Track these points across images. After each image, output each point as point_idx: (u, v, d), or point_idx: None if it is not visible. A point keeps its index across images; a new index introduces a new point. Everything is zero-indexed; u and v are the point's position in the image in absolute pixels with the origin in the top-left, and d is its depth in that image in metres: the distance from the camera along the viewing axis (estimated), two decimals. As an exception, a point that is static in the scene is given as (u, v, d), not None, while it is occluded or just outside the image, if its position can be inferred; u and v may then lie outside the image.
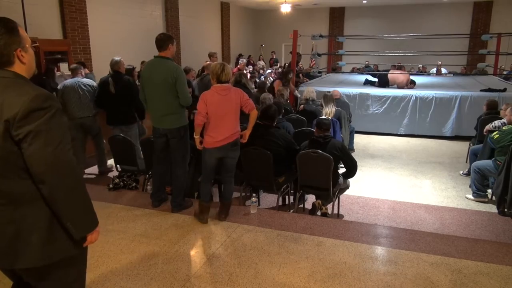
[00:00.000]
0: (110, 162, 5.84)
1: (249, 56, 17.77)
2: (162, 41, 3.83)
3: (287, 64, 8.62)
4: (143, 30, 11.10)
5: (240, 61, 11.10)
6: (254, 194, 4.15)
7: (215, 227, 3.72)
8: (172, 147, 3.97)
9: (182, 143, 3.96)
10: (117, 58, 5.49)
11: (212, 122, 3.66)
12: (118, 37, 10.37)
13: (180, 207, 4.08)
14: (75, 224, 1.63)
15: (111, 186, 4.76)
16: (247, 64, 16.10)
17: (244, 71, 11.52)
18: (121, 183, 4.80)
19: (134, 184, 4.85)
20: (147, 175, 4.82)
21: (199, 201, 3.86)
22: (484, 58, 14.70)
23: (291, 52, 11.05)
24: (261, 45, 19.44)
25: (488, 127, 5.45)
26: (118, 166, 5.10)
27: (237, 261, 3.13)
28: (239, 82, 5.94)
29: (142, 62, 9.33)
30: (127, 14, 10.77)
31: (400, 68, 13.98)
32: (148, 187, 4.75)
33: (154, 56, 3.90)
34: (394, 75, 9.36)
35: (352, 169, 4.27)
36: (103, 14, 9.79)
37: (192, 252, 3.29)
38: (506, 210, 4.48)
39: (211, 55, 8.23)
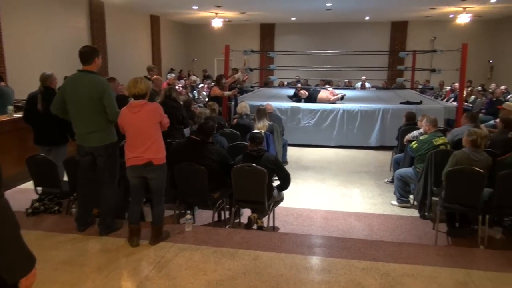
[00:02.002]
0: (27, 185, 5.39)
1: (181, 70, 17.62)
2: (87, 54, 3.67)
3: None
4: (67, 43, 10.52)
5: (168, 76, 10.94)
6: (188, 211, 4.06)
7: (147, 249, 3.57)
8: (99, 166, 3.77)
9: (110, 161, 3.78)
10: (48, 73, 5.09)
11: (127, 139, 3.55)
12: (39, 49, 9.73)
13: (108, 230, 3.87)
14: (7, 269, 1.46)
15: (29, 211, 4.38)
16: (179, 78, 15.95)
17: (176, 86, 11.39)
18: (42, 207, 4.44)
19: (56, 208, 4.51)
20: (72, 197, 4.52)
21: (128, 224, 3.70)
22: (402, 73, 15.98)
23: (235, 69, 11.16)
24: (193, 60, 19.38)
25: (407, 137, 5.89)
26: (38, 188, 4.72)
27: (172, 282, 3.03)
28: (169, 97, 5.83)
29: (65, 77, 8.81)
30: (49, 26, 10.16)
31: (328, 83, 14.71)
32: (73, 210, 4.45)
33: (78, 70, 3.71)
34: (322, 97, 9.76)
35: (285, 181, 4.36)
36: (21, 25, 9.14)
37: (123, 278, 3.12)
38: (426, 214, 4.85)
39: (150, 69, 7.97)
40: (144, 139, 3.50)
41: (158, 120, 3.56)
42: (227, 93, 8.71)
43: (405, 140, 5.96)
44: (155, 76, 7.76)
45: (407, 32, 17.56)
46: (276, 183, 4.57)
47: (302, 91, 10.08)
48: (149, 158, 3.50)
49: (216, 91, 8.40)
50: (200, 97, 12.64)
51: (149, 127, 3.52)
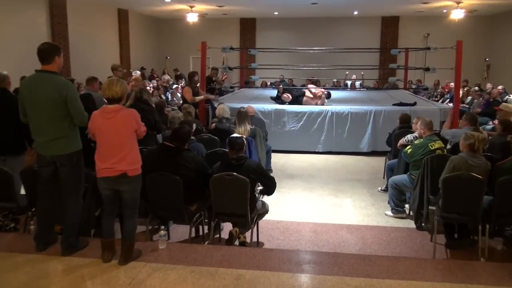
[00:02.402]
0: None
1: (152, 69, 17.52)
2: (47, 53, 3.60)
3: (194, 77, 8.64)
4: (23, 40, 10.33)
5: (134, 74, 10.68)
6: (162, 227, 4.01)
7: (117, 270, 3.51)
8: (62, 177, 3.70)
9: (74, 171, 3.71)
10: (4, 73, 4.97)
11: (98, 147, 3.50)
12: (-9, 47, 9.53)
13: (72, 249, 3.79)
14: None
15: (-19, 229, 4.26)
16: (150, 78, 15.85)
17: (148, 87, 11.30)
18: (-5, 225, 4.32)
19: (12, 225, 4.40)
20: (30, 213, 4.41)
21: (100, 238, 3.66)
22: (394, 72, 16.28)
23: (214, 68, 11.11)
24: (166, 58, 19.29)
25: (402, 141, 5.98)
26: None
27: (145, 306, 2.98)
28: (140, 99, 5.77)
29: (22, 78, 8.63)
30: (4, 21, 9.96)
31: (315, 83, 14.86)
32: (32, 227, 4.34)
33: (36, 70, 3.64)
34: (308, 102, 9.77)
35: (271, 188, 4.35)
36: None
37: (89, 302, 3.06)
38: (423, 224, 4.93)
39: (115, 68, 7.83)
40: (118, 149, 3.46)
41: (134, 128, 3.52)
42: (198, 98, 8.38)
43: (398, 144, 6.05)
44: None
45: (398, 28, 17.94)
46: (261, 195, 4.57)
47: (285, 95, 9.92)
48: (123, 169, 3.46)
49: (187, 94, 8.18)
50: (175, 99, 12.58)
51: (124, 136, 3.48)
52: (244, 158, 4.26)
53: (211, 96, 8.74)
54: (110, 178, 3.48)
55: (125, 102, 3.60)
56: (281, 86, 10.64)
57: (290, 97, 9.80)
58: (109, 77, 7.14)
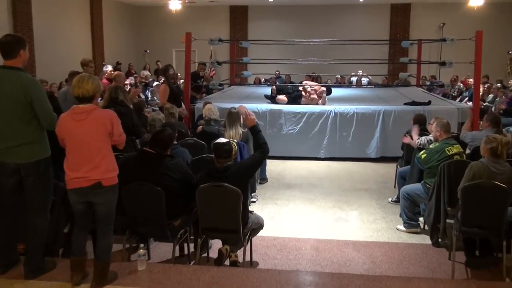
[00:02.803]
0: None
1: (129, 64, 17.52)
2: (9, 46, 3.60)
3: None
4: (-20, 30, 10.30)
5: (104, 69, 10.54)
6: (142, 245, 4.00)
7: (89, 294, 3.49)
8: (27, 189, 3.68)
9: (41, 182, 3.70)
10: None
11: (68, 154, 3.49)
12: None
13: (37, 271, 3.76)
14: None
15: None
16: (127, 74, 15.81)
17: (124, 84, 11.26)
18: None
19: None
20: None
21: (70, 257, 3.65)
22: (406, 67, 16.39)
23: (202, 63, 11.09)
24: (145, 51, 19.29)
25: (411, 142, 5.97)
26: None
27: (122, 337, 2.96)
28: (115, 99, 5.74)
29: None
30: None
31: (315, 79, 14.92)
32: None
33: (-2, 65, 3.63)
34: (306, 101, 9.77)
35: (264, 150, 4.36)
36: None
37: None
38: (439, 240, 4.94)
39: (85, 64, 7.81)
40: (91, 155, 3.45)
41: (108, 130, 3.51)
42: (183, 112, 8.06)
43: (405, 140, 6.06)
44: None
45: (410, 17, 18.07)
46: (252, 206, 4.56)
47: (280, 97, 9.78)
48: (97, 178, 3.45)
49: (162, 94, 7.91)
50: (155, 98, 12.58)
51: (98, 140, 3.47)
52: (232, 166, 4.22)
53: (184, 113, 8.36)
54: (82, 189, 3.47)
55: (97, 101, 3.58)
56: (274, 86, 10.54)
57: (286, 99, 9.71)
58: (69, 73, 7.10)
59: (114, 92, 5.80)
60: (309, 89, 9.93)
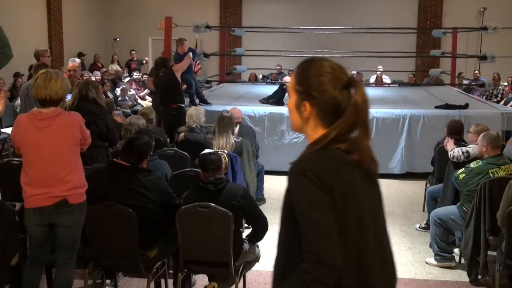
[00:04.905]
0: None
1: (95, 56, 17.52)
2: None
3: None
4: None
5: (70, 62, 10.63)
6: (108, 281, 4.01)
7: None
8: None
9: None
10: None
11: (27, 166, 3.50)
12: None
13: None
14: None
15: None
16: (92, 68, 15.82)
17: (93, 78, 11.27)
18: None
19: None
20: None
21: None
22: (438, 61, 16.43)
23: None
24: (115, 40, 19.30)
25: (450, 151, 5.91)
26: None
27: None
28: (85, 97, 5.75)
29: None
30: None
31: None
32: None
33: None
34: None
35: (260, 229, 4.36)
36: None
37: None
38: (479, 277, 4.94)
39: (41, 54, 7.83)
40: (56, 170, 3.47)
41: (78, 138, 3.53)
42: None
43: (449, 145, 6.00)
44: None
45: (443, 1, 18.12)
46: (246, 232, 4.57)
47: (287, 78, 9.93)
48: (63, 195, 3.46)
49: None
50: (126, 97, 12.58)
51: (65, 151, 3.50)
52: (224, 181, 4.26)
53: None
54: (43, 209, 3.48)
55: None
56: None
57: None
58: (35, 65, 7.13)
59: (84, 88, 5.81)
60: None
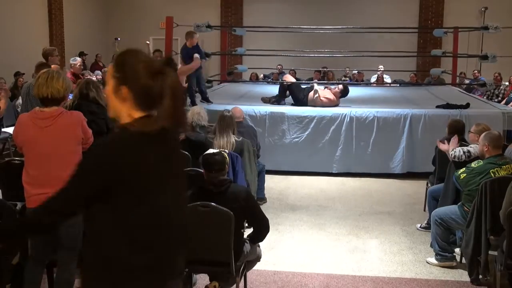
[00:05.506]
0: None
1: (97, 55, 17.53)
2: None
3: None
4: None
5: (72, 62, 10.69)
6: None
7: None
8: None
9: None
10: None
11: (28, 166, 3.50)
12: None
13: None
14: None
15: None
16: (93, 68, 15.81)
17: (94, 78, 11.26)
18: None
19: None
20: None
21: None
22: (439, 61, 16.42)
23: (158, 50, 11.13)
24: (116, 39, 19.29)
25: (451, 150, 5.91)
26: None
27: None
28: (86, 97, 5.75)
29: None
30: None
31: (326, 75, 14.98)
32: None
33: None
34: (312, 99, 9.76)
35: (261, 231, 4.36)
36: None
37: None
38: (480, 276, 4.94)
39: (49, 53, 7.80)
40: (58, 168, 3.46)
41: (80, 138, 3.53)
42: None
43: (442, 146, 6.00)
44: (53, 66, 7.63)
45: (444, 0, 18.10)
46: (248, 231, 4.56)
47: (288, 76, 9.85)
48: None
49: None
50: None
51: (68, 151, 3.49)
52: (228, 182, 4.26)
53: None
54: None
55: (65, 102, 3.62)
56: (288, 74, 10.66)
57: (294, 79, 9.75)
58: (36, 65, 7.14)
59: (85, 87, 5.81)
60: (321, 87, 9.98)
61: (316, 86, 9.91)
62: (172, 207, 2.18)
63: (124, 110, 2.13)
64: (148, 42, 10.79)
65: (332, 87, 10.27)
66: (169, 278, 2.21)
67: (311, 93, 9.69)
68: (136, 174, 2.04)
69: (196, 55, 8.99)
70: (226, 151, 5.91)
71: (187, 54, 9.16)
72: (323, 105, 9.57)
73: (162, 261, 2.13)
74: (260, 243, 4.69)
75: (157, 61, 2.17)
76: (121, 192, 2.03)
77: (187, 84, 9.30)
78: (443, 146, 6.17)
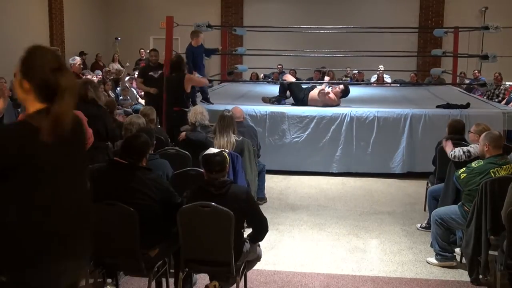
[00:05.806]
0: None
1: (97, 55, 17.52)
2: None
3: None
4: None
5: (71, 61, 10.72)
6: (109, 280, 4.00)
7: None
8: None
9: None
10: None
11: None
12: None
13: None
14: None
15: None
16: (94, 68, 15.81)
17: (94, 78, 11.29)
18: None
19: None
20: None
21: None
22: (439, 61, 16.42)
23: (154, 50, 11.07)
24: (116, 39, 19.28)
25: (450, 151, 5.91)
26: None
27: None
28: (84, 98, 5.75)
29: None
30: None
31: (325, 74, 14.96)
32: None
33: None
34: (314, 98, 9.76)
35: (260, 231, 4.36)
36: None
37: None
38: (480, 276, 4.94)
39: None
40: None
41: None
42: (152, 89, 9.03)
43: (447, 146, 5.98)
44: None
45: (444, 0, 18.10)
46: (247, 231, 4.56)
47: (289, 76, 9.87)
48: None
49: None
50: (128, 97, 12.58)
51: None
52: (229, 182, 4.25)
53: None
54: None
55: None
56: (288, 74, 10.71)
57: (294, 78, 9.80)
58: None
59: (83, 88, 5.79)
60: (323, 86, 9.99)
61: (324, 86, 9.93)
62: (64, 195, 2.39)
63: (28, 102, 2.35)
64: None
65: (330, 88, 10.28)
66: (64, 259, 2.39)
67: (315, 92, 9.70)
68: (22, 162, 2.23)
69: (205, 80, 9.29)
70: (227, 150, 5.91)
71: (192, 54, 9.20)
72: (324, 104, 9.59)
73: (52, 241, 2.32)
74: (260, 243, 4.69)
75: (57, 59, 2.40)
76: (11, 176, 2.23)
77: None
78: (448, 145, 6.12)
